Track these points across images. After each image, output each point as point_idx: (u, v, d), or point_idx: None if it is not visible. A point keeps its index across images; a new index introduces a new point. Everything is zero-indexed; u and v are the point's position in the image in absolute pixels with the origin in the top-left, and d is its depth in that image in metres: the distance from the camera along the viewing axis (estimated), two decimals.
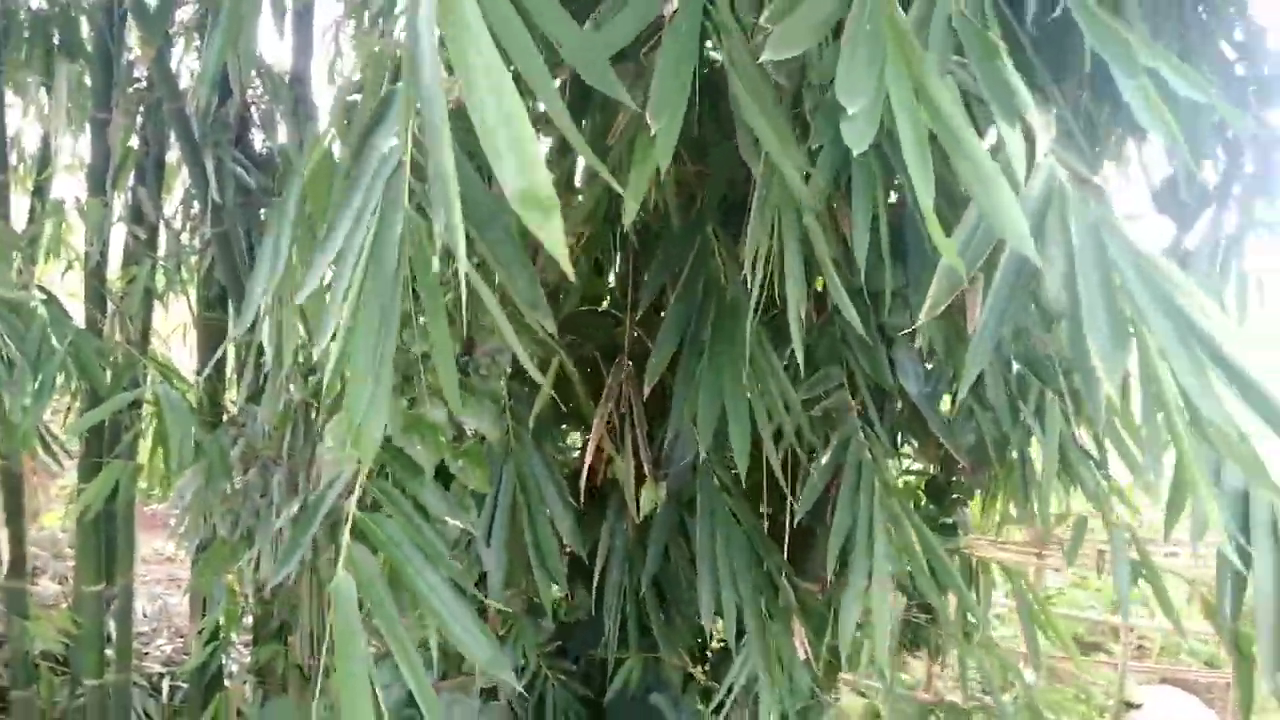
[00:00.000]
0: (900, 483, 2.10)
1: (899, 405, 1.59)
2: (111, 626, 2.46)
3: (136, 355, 2.07)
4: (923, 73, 0.73)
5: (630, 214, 0.84)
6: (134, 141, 2.25)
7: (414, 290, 0.99)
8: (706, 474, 1.42)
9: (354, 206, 0.91)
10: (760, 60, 0.71)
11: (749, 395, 1.20)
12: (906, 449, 1.88)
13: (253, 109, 2.22)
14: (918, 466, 2.01)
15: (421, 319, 1.25)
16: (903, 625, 2.08)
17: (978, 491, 1.96)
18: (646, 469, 1.42)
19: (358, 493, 1.12)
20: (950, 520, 1.94)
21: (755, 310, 1.04)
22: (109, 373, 1.98)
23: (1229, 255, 1.61)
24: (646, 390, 1.26)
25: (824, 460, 1.39)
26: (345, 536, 1.06)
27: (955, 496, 1.95)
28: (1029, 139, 0.86)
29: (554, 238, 0.71)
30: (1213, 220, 1.57)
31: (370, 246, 0.85)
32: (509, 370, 1.35)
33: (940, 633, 1.96)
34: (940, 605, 2.05)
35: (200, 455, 1.89)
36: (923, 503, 1.94)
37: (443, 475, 1.28)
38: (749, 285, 1.01)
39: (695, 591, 1.49)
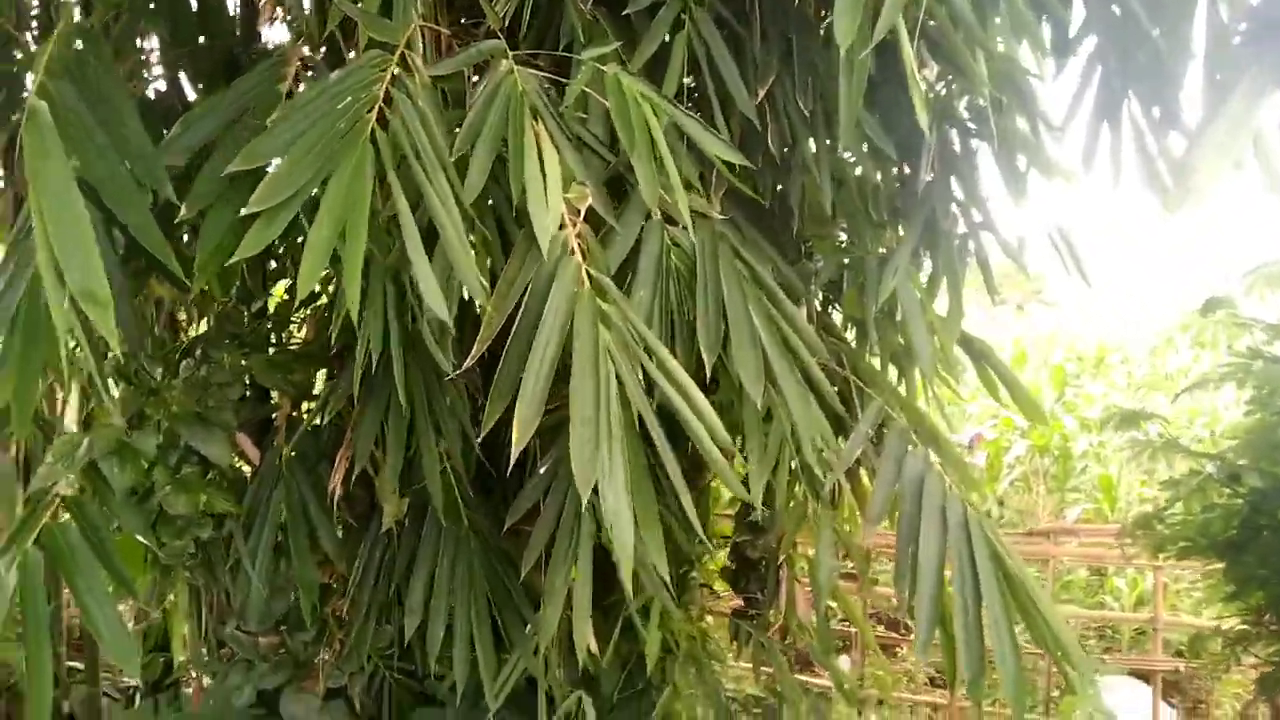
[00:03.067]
0: None
1: None
2: None
3: None
4: None
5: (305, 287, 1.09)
6: None
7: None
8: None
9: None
10: None
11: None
12: None
13: None
14: None
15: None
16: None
17: None
18: (392, 486, 1.60)
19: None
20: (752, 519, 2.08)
21: None
22: None
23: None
24: (328, 416, 1.47)
25: (542, 471, 1.56)
26: (28, 541, 1.28)
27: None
28: None
29: (107, 325, 0.96)
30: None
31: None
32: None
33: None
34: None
35: None
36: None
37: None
38: None
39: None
